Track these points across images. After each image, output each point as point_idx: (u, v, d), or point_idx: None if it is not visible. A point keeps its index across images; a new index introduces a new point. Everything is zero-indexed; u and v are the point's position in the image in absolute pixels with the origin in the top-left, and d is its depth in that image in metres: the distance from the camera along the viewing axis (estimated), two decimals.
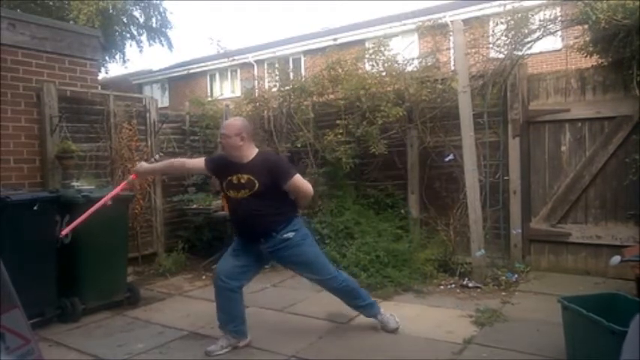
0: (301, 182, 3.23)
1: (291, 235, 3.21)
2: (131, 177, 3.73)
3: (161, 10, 19.65)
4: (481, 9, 11.00)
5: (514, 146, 4.98)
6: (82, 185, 4.57)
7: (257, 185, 3.11)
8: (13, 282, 1.82)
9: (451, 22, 5.08)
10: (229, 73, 19.36)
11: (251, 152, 3.24)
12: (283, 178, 3.16)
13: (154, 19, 19.60)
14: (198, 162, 3.53)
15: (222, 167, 3.31)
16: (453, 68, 5.50)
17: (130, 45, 19.53)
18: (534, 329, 3.40)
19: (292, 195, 3.27)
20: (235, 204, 3.24)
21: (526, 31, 4.80)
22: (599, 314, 2.47)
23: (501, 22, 5.05)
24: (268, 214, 3.16)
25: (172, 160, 3.80)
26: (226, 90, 18.82)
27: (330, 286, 3.48)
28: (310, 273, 3.43)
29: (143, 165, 3.69)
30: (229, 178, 3.22)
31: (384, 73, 5.65)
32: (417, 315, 3.74)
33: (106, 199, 3.74)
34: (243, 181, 3.15)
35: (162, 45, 20.00)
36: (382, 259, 4.71)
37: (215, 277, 3.35)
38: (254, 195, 3.12)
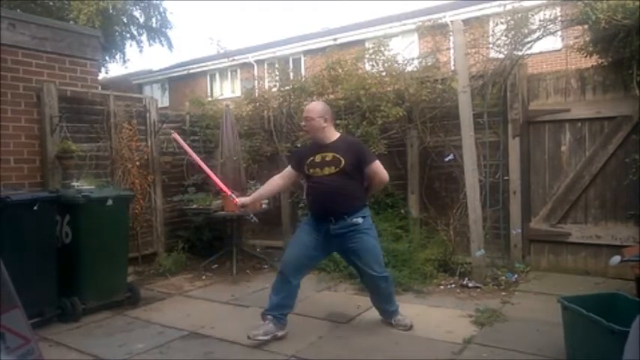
0: (381, 168, 3.40)
1: (360, 220, 3.33)
2: (236, 202, 3.75)
3: (161, 10, 19.69)
4: (481, 9, 11.01)
5: (514, 146, 4.98)
6: (82, 185, 4.57)
7: (343, 162, 3.26)
8: (13, 282, 1.82)
9: (451, 22, 5.08)
10: (229, 73, 19.36)
11: (333, 134, 3.45)
12: (367, 159, 3.34)
13: (153, 19, 19.63)
14: (286, 169, 3.69)
15: (304, 154, 3.51)
16: (452, 68, 5.50)
17: (130, 45, 19.58)
18: (534, 329, 3.40)
19: (367, 181, 3.41)
20: (318, 182, 3.35)
21: (526, 31, 4.79)
22: (599, 314, 2.47)
23: (501, 22, 5.05)
24: (347, 195, 3.29)
25: (269, 181, 3.75)
26: (226, 90, 18.83)
27: (378, 285, 3.50)
28: (367, 263, 3.41)
29: (245, 199, 3.77)
30: (311, 158, 3.38)
31: (384, 73, 5.64)
32: (417, 315, 3.74)
33: (219, 184, 3.90)
34: (328, 159, 3.31)
35: (162, 45, 20.04)
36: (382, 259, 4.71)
37: (281, 265, 3.49)
38: (339, 172, 3.27)
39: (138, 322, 3.93)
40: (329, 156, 3.31)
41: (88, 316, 3.98)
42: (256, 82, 8.41)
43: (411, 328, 3.50)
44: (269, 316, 3.37)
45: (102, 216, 4.09)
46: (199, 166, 4.22)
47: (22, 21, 4.89)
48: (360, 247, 3.37)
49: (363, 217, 3.36)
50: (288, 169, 3.65)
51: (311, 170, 3.37)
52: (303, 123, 3.56)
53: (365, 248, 3.38)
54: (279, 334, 3.36)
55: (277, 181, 3.68)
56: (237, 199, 3.77)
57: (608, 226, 4.64)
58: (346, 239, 3.36)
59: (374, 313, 3.89)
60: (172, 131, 4.52)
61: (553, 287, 4.24)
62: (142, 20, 19.44)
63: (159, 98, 11.08)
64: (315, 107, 3.45)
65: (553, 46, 9.06)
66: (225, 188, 3.91)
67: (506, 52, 4.97)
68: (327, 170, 3.30)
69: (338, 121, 5.49)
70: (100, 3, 15.93)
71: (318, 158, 3.35)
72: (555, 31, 4.85)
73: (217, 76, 19.76)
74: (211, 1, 48.73)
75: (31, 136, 4.82)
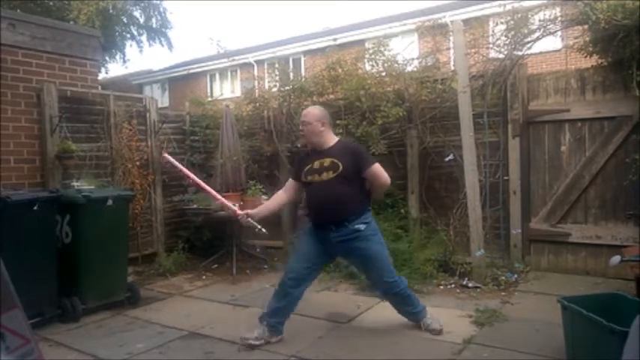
0: (381, 171, 3.29)
1: (362, 227, 3.23)
2: (238, 213, 3.51)
3: (161, 10, 19.68)
4: (481, 9, 11.02)
5: (514, 146, 4.98)
6: (82, 185, 4.58)
7: (341, 167, 3.19)
8: (13, 282, 1.82)
9: (451, 22, 5.09)
10: (229, 73, 19.35)
11: (331, 139, 3.36)
12: (365, 163, 3.25)
13: (153, 19, 19.61)
14: (288, 182, 3.58)
15: (302, 161, 3.43)
16: (452, 68, 5.50)
17: (130, 45, 19.58)
18: (534, 329, 3.40)
19: (368, 184, 3.32)
20: (316, 188, 3.28)
21: (526, 31, 4.79)
22: (599, 314, 2.47)
23: (501, 22, 5.04)
24: (347, 200, 3.20)
25: (273, 196, 3.66)
26: (226, 90, 18.81)
27: (388, 291, 3.43)
28: (373, 271, 3.37)
29: (252, 212, 3.49)
30: (309, 165, 3.30)
31: (383, 73, 5.64)
32: None
33: (218, 198, 3.74)
34: (325, 164, 3.24)
35: (162, 45, 20.03)
36: None
37: (284, 274, 3.41)
38: (338, 177, 3.19)
39: (138, 322, 3.93)
40: (327, 161, 3.24)
41: (88, 316, 3.99)
42: (256, 82, 8.42)
43: (440, 332, 3.41)
44: (265, 323, 3.34)
45: (102, 216, 4.09)
46: (197, 183, 3.88)
47: (22, 21, 4.88)
48: (364, 255, 3.30)
49: (366, 222, 3.26)
50: (290, 182, 3.55)
51: (309, 177, 3.29)
52: (300, 127, 3.49)
53: (369, 256, 3.30)
54: (273, 340, 3.33)
55: (281, 195, 3.57)
56: (238, 210, 3.55)
57: (608, 226, 4.63)
58: (349, 246, 3.26)
59: (374, 313, 3.89)
60: (164, 153, 4.44)
61: (553, 287, 4.24)
62: (141, 20, 19.43)
63: (159, 98, 11.12)
64: (313, 111, 3.38)
65: (553, 46, 9.06)
66: (224, 201, 3.73)
67: (506, 52, 4.97)
68: (325, 176, 3.22)
69: (338, 121, 5.50)
70: (100, 3, 15.93)
71: (316, 165, 3.27)
72: (555, 31, 4.85)
73: (217, 76, 19.75)
74: (211, 0, 48.72)
75: (31, 136, 4.82)
